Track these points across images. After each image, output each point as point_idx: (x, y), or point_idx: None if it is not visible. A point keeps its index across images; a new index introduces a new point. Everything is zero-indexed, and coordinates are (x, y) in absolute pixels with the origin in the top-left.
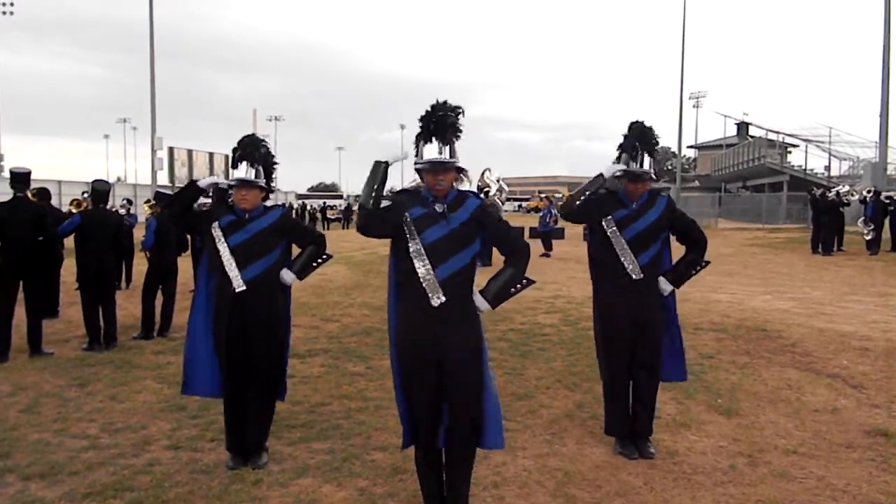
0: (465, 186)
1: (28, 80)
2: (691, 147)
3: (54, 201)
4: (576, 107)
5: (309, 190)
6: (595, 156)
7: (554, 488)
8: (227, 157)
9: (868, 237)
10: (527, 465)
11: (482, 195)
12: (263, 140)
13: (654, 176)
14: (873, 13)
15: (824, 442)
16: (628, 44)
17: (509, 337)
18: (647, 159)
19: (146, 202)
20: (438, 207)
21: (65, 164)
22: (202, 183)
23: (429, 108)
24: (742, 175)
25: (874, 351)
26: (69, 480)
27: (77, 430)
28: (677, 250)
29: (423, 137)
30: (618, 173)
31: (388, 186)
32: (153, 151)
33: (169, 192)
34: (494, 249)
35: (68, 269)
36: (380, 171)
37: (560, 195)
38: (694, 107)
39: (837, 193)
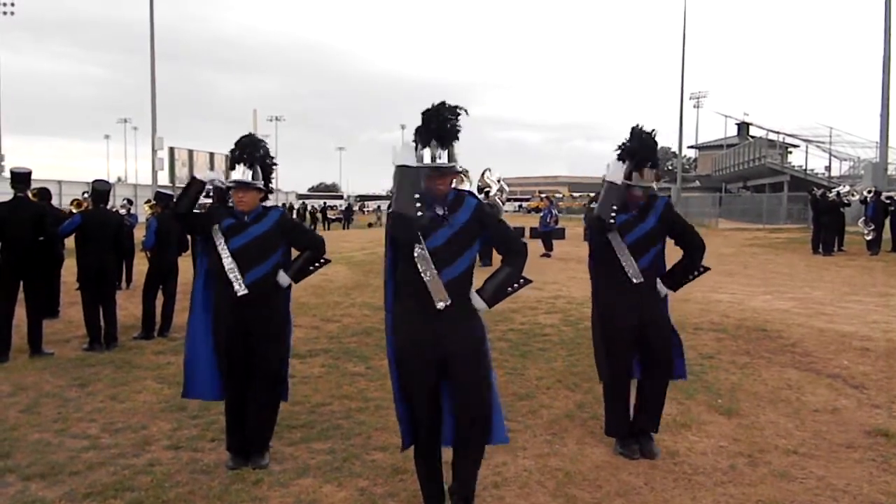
0: (465, 186)
1: (29, 80)
2: (692, 147)
3: (55, 201)
4: (576, 107)
5: (309, 190)
6: (595, 156)
7: (554, 488)
8: (227, 157)
9: (868, 237)
10: (527, 465)
11: (482, 195)
12: (262, 140)
13: (654, 187)
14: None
15: (825, 442)
16: (629, 44)
17: (509, 337)
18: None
19: (147, 202)
20: (439, 210)
21: (65, 164)
22: (202, 176)
23: (427, 110)
24: (742, 175)
25: (875, 351)
26: (69, 480)
27: (77, 430)
28: (675, 253)
29: (421, 140)
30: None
31: (388, 186)
32: (154, 151)
33: (169, 192)
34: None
35: (69, 270)
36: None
37: (560, 195)
38: (694, 107)
39: (838, 194)
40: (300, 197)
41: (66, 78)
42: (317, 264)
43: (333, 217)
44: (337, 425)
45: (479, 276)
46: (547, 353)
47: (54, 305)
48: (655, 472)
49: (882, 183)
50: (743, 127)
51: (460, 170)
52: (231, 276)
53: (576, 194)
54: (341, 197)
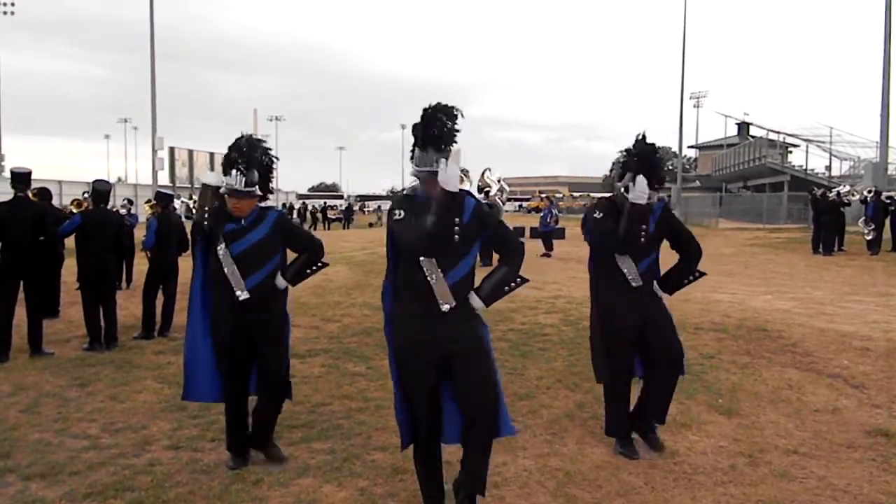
0: (465, 186)
1: (29, 80)
2: (692, 147)
3: (55, 201)
4: (576, 107)
5: (309, 190)
6: (595, 156)
7: (554, 488)
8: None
9: (869, 237)
10: (527, 465)
11: (482, 195)
12: (260, 141)
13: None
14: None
15: (825, 442)
16: (629, 44)
17: (510, 337)
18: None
19: (147, 202)
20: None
21: (65, 164)
22: (212, 181)
23: (423, 112)
24: (743, 175)
25: (875, 351)
26: (70, 480)
27: (78, 430)
28: (671, 257)
29: (418, 144)
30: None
31: (388, 186)
32: (154, 151)
33: (169, 192)
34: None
35: (69, 269)
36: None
37: (560, 195)
38: (695, 107)
39: (838, 193)
40: (300, 197)
41: (66, 78)
42: (314, 267)
43: (333, 217)
44: (337, 425)
45: (478, 276)
46: (547, 353)
47: (54, 305)
48: (655, 471)
49: (882, 183)
50: (743, 127)
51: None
52: (232, 281)
53: (576, 194)
54: (341, 197)
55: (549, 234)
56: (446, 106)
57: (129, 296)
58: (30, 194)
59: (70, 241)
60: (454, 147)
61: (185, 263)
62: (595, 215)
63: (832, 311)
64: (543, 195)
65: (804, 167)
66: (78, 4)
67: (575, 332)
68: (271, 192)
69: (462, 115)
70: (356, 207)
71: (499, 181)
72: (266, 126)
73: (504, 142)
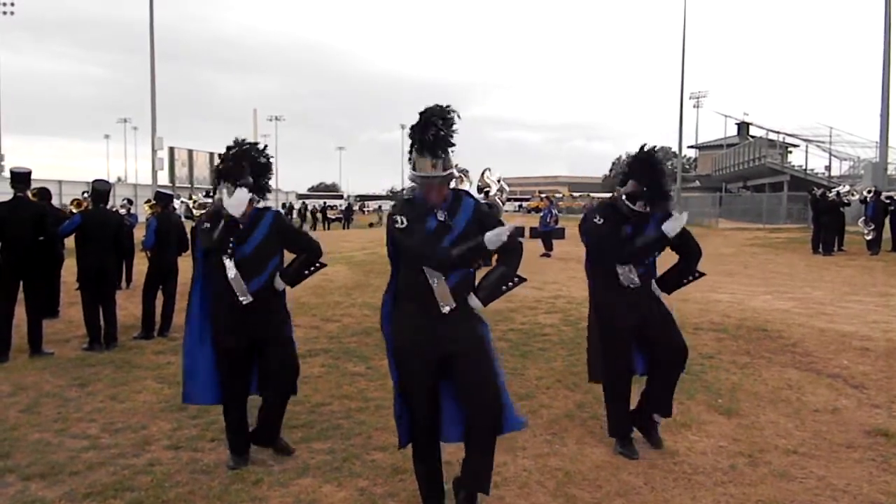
0: (465, 186)
1: (29, 80)
2: (692, 147)
3: (55, 201)
4: (576, 107)
5: (309, 190)
6: (595, 156)
7: (554, 488)
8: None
9: (868, 237)
10: (527, 465)
11: (482, 195)
12: (251, 147)
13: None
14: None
15: (825, 442)
16: (628, 44)
17: (509, 337)
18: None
19: (147, 202)
20: (440, 216)
21: (65, 164)
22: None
23: (419, 115)
24: (742, 175)
25: (875, 351)
26: (69, 480)
27: (77, 430)
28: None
29: (414, 148)
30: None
31: (388, 186)
32: (154, 151)
33: (169, 192)
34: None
35: (69, 269)
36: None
37: (560, 195)
38: (694, 107)
39: (838, 193)
40: (300, 197)
41: (66, 78)
42: (312, 268)
43: (333, 217)
44: (337, 425)
45: (477, 276)
46: (547, 353)
47: (54, 305)
48: (655, 471)
49: (882, 183)
50: (743, 127)
51: (461, 168)
52: (235, 286)
53: (576, 194)
54: (341, 197)
55: (548, 234)
56: (443, 109)
57: (128, 296)
58: (29, 194)
59: (70, 241)
60: (451, 151)
61: (185, 263)
62: (595, 220)
63: (832, 311)
64: (543, 195)
65: (804, 167)
66: (78, 4)
67: (575, 332)
68: (269, 191)
69: (459, 117)
70: (356, 207)
71: (498, 181)
72: (266, 126)
73: (504, 142)
